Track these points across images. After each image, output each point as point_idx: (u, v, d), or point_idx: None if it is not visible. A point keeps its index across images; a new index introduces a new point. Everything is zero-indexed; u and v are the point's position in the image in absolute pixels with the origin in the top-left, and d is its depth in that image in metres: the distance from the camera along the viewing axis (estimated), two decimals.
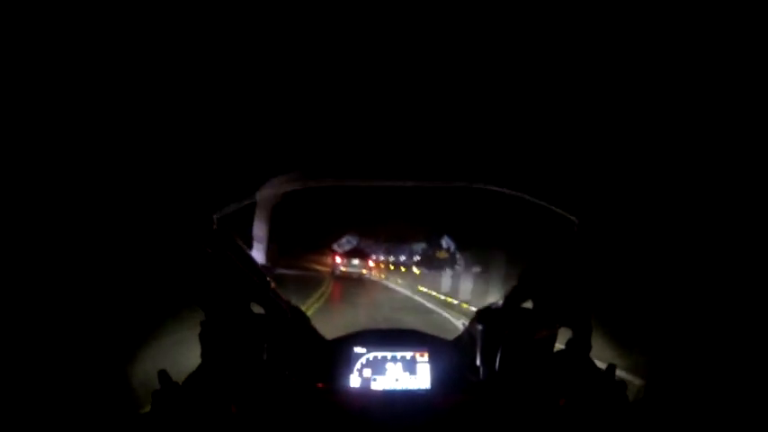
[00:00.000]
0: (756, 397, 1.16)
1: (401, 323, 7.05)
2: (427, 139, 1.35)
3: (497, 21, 1.02)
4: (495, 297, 1.55)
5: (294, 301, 1.54)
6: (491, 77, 1.18)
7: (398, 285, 14.80)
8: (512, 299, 1.46)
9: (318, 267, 16.87)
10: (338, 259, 15.85)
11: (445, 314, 8.76)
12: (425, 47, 1.09)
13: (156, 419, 1.04)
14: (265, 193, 1.38)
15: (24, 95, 1.04)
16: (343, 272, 15.57)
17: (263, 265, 1.41)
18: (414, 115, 1.29)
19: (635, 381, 1.59)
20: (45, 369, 1.25)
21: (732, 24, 0.95)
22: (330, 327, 1.78)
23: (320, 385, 1.42)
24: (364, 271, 16.44)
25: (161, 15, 0.99)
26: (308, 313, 1.60)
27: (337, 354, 1.56)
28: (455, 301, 10.02)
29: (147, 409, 1.06)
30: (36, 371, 1.21)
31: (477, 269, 11.04)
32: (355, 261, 16.11)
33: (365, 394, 1.48)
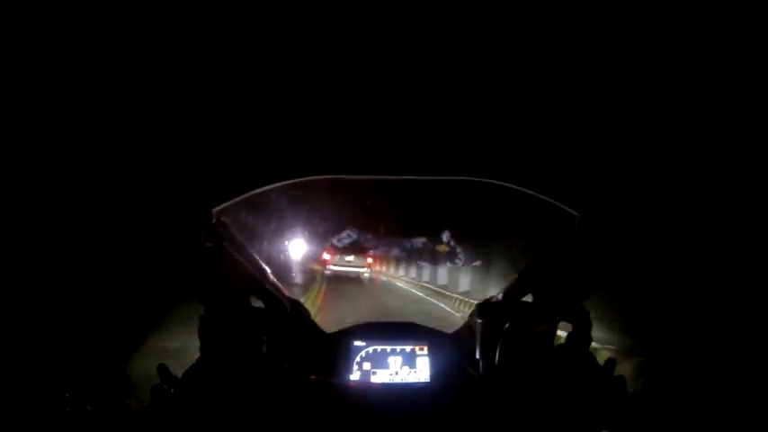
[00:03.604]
0: (753, 392, 1.16)
1: None
2: (428, 132, 1.34)
3: (498, 16, 1.01)
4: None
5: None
6: (491, 71, 1.17)
7: None
8: (512, 292, 1.46)
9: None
10: (326, 256, 12.19)
11: None
12: (427, 42, 1.08)
13: (155, 413, 1.04)
14: None
15: (24, 93, 1.04)
16: (335, 272, 12.29)
17: None
18: (415, 109, 1.28)
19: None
20: (46, 363, 1.25)
21: (732, 23, 0.95)
22: None
23: (313, 377, 1.42)
24: (363, 269, 13.11)
25: (160, 13, 0.98)
26: None
27: (337, 347, 1.56)
28: None
29: (147, 403, 1.07)
30: (36, 365, 1.21)
31: (477, 263, 11.04)
32: (349, 257, 12.64)
33: (365, 387, 1.48)
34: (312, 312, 1.58)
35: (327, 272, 12.06)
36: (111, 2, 0.95)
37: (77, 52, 1.02)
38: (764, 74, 1.03)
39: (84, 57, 1.03)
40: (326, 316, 7.20)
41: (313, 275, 11.36)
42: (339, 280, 11.97)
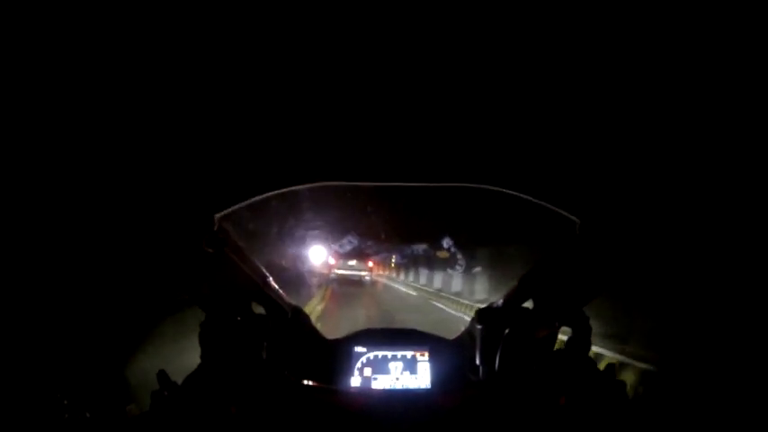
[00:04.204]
0: (753, 396, 1.16)
1: None
2: (429, 139, 1.35)
3: (499, 21, 1.02)
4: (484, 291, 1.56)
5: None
6: (491, 78, 1.18)
7: None
8: (512, 298, 1.46)
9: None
10: (331, 261, 13.91)
11: None
12: (428, 47, 1.09)
13: (154, 419, 1.04)
14: None
15: (26, 96, 1.05)
16: (339, 275, 14.00)
17: None
18: (416, 116, 1.29)
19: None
20: (45, 369, 1.25)
21: (732, 24, 0.95)
22: None
23: (314, 384, 1.42)
24: (364, 273, 14.89)
25: (163, 14, 0.99)
26: None
27: (338, 353, 1.56)
28: None
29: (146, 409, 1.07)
30: (36, 371, 1.21)
31: (477, 269, 11.09)
32: (352, 262, 14.35)
33: (365, 393, 1.48)
34: (319, 310, 1.58)
35: (333, 275, 13.80)
36: (114, 6, 0.96)
37: (79, 58, 1.03)
38: (764, 78, 1.03)
39: (87, 63, 1.04)
40: (331, 314, 7.49)
41: (319, 280, 12.57)
42: (342, 282, 13.72)
